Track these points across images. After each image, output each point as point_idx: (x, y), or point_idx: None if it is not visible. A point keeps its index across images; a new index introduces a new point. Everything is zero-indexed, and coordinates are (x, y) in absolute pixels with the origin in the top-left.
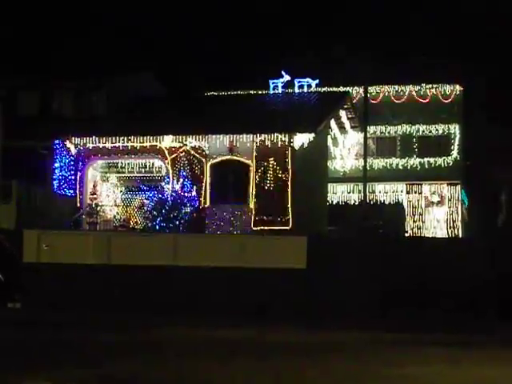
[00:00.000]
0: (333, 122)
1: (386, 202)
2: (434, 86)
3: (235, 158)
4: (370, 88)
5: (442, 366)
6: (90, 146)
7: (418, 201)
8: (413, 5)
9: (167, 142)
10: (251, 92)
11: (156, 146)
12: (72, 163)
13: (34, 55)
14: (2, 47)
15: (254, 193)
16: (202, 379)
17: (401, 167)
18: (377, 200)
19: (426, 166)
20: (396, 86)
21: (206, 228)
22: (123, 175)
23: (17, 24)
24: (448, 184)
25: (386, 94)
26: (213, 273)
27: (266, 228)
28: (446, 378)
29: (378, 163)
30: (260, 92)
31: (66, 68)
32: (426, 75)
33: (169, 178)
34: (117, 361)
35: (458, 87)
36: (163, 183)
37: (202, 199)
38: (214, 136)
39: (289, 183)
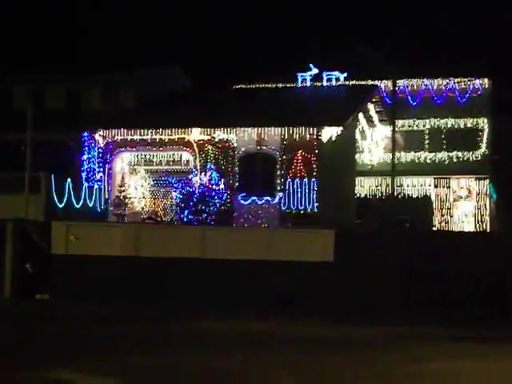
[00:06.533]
0: (361, 116)
1: (414, 196)
2: (463, 79)
3: (263, 150)
4: (398, 81)
5: (469, 360)
6: (119, 138)
7: (446, 195)
8: None
9: (195, 134)
10: (279, 85)
11: (184, 138)
12: (100, 155)
13: (63, 49)
14: (31, 41)
15: (281, 186)
16: (231, 370)
17: (429, 161)
18: (405, 194)
19: (455, 160)
20: (425, 80)
21: (234, 221)
22: (151, 167)
23: (44, 17)
24: (476, 178)
25: (415, 87)
26: (240, 265)
27: (293, 221)
28: (473, 373)
29: (406, 157)
30: (288, 85)
31: (94, 61)
32: (454, 69)
33: (197, 170)
34: (143, 353)
35: (486, 81)
36: (191, 176)
37: (229, 192)
38: (242, 129)
39: (316, 176)
